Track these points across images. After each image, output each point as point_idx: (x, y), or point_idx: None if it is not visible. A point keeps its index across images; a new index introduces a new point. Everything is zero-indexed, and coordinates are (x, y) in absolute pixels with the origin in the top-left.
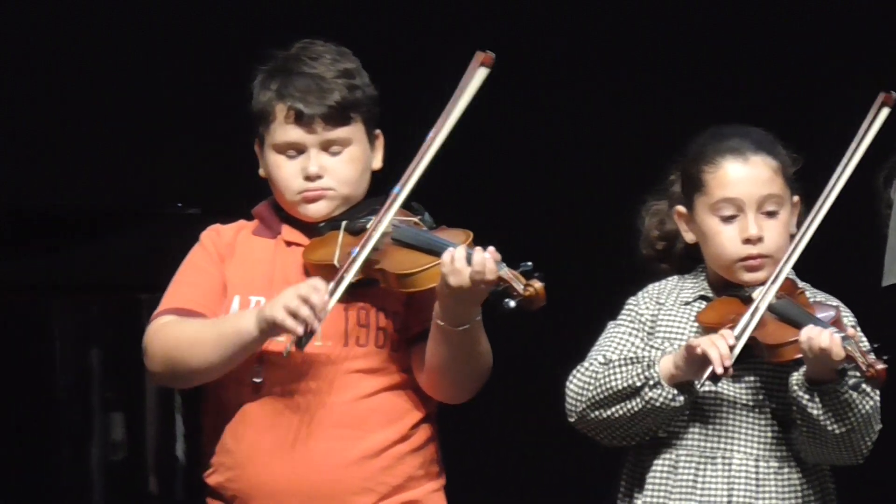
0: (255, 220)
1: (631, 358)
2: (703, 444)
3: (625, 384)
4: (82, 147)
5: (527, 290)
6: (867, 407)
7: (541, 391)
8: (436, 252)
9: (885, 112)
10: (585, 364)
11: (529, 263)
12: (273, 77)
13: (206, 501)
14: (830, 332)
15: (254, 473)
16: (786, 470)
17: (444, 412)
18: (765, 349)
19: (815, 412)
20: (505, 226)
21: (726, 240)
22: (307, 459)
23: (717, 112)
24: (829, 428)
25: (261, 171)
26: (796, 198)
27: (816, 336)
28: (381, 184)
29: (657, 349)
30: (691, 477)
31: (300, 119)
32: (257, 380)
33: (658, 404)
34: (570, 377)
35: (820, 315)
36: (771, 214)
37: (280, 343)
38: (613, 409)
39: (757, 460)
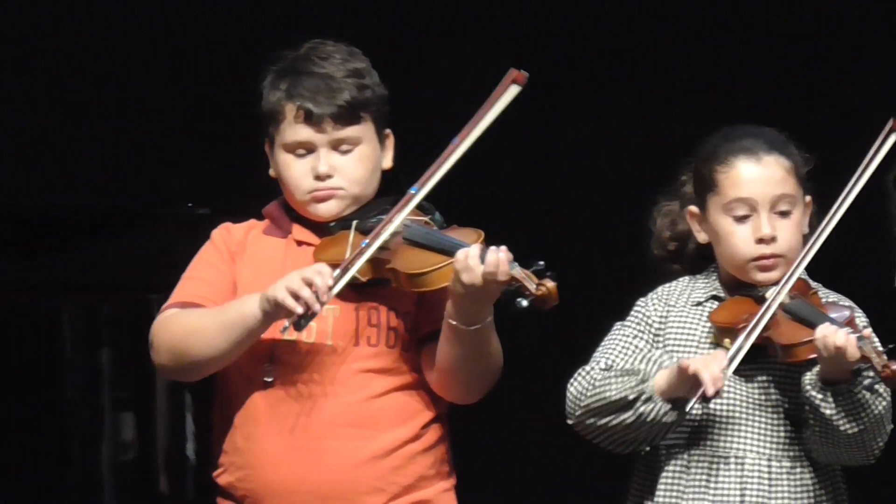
0: (266, 219)
1: (627, 370)
2: (715, 443)
3: (619, 396)
4: (93, 148)
5: (539, 290)
6: (880, 407)
7: (551, 391)
8: (447, 251)
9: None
10: (587, 368)
11: (542, 263)
12: (283, 77)
13: (216, 501)
14: (846, 331)
15: (264, 473)
16: (798, 470)
17: (455, 412)
18: (779, 349)
19: (828, 412)
20: (516, 225)
21: (739, 240)
22: (318, 459)
23: (727, 113)
24: (842, 428)
25: (271, 172)
26: (808, 198)
27: (832, 335)
28: (390, 183)
29: (668, 352)
30: (704, 477)
31: (310, 118)
32: (268, 379)
33: (650, 418)
34: (571, 380)
35: (833, 315)
36: (784, 214)
37: (292, 340)
38: (608, 419)
39: (769, 460)
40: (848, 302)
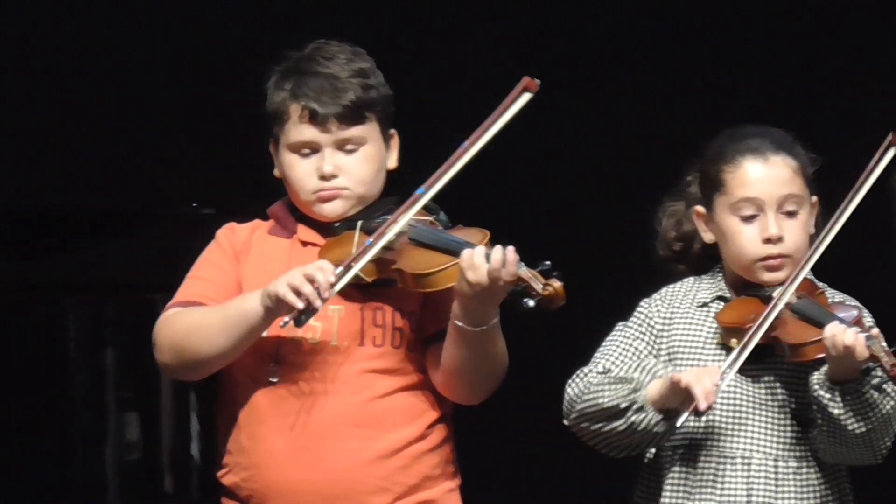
0: (271, 219)
1: (621, 377)
2: (722, 444)
3: (611, 403)
4: (98, 148)
5: (546, 290)
6: (888, 407)
7: (556, 391)
8: (453, 252)
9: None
10: (585, 370)
11: (548, 263)
12: (287, 77)
13: (220, 501)
14: (854, 330)
15: (269, 473)
16: (804, 470)
17: (459, 412)
18: (786, 349)
19: (835, 411)
20: (521, 225)
21: (746, 240)
22: (323, 459)
23: (731, 113)
24: (850, 427)
25: (276, 172)
26: (814, 198)
27: (841, 334)
28: (396, 183)
29: (673, 354)
30: (711, 477)
31: (314, 118)
32: (273, 379)
33: (640, 428)
34: (569, 381)
35: (841, 315)
36: (791, 214)
37: (297, 340)
38: (600, 425)
39: (776, 460)
40: (854, 302)
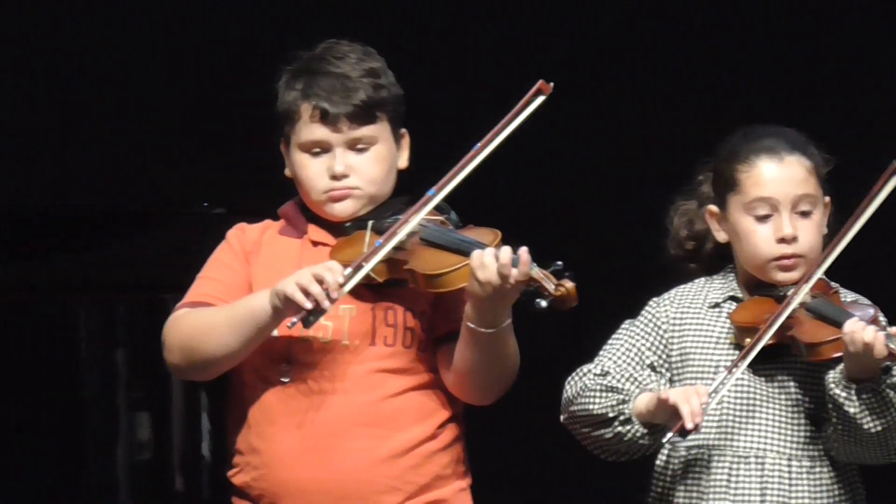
0: (281, 219)
1: (612, 386)
2: (735, 443)
3: (600, 411)
4: (110, 147)
5: (558, 290)
6: None
7: None
8: (464, 252)
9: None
10: (584, 369)
11: (560, 263)
12: (298, 77)
13: (231, 500)
14: (873, 328)
15: (280, 473)
16: (818, 469)
17: (470, 412)
18: (803, 348)
19: (851, 410)
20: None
21: (760, 239)
22: (334, 459)
23: (742, 112)
24: (865, 426)
25: (287, 171)
26: (827, 198)
27: (860, 330)
28: (406, 183)
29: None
30: (725, 476)
31: (325, 118)
32: (285, 379)
33: (626, 438)
34: (569, 378)
35: (857, 314)
36: (805, 214)
37: (308, 340)
38: (588, 429)
39: (790, 459)
40: (867, 301)
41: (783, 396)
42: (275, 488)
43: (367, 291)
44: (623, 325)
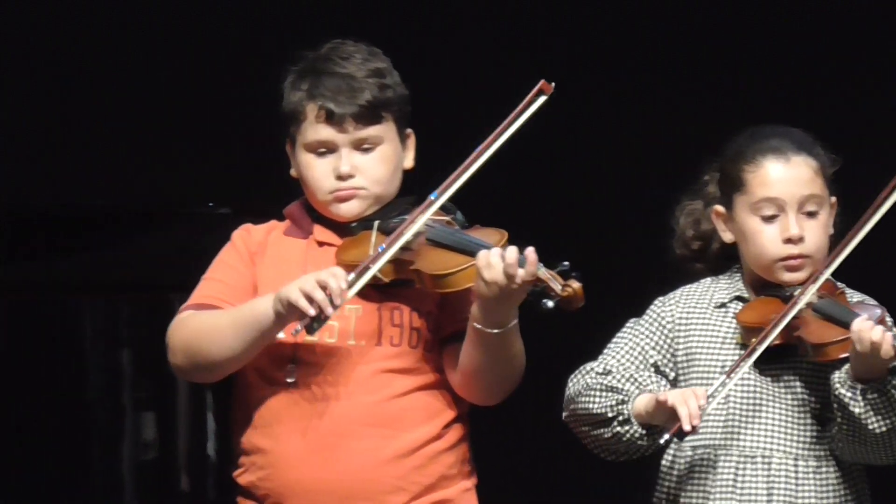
0: (287, 220)
1: (613, 386)
2: (742, 443)
3: (599, 411)
4: (114, 147)
5: (565, 291)
6: None
7: None
8: (471, 252)
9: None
10: (587, 367)
11: (566, 263)
12: (303, 77)
13: (237, 500)
14: (881, 328)
15: (286, 473)
16: (824, 469)
17: (476, 412)
18: (809, 348)
19: (857, 410)
20: (538, 226)
21: (767, 240)
22: (340, 459)
23: (747, 113)
24: (871, 426)
25: (292, 172)
26: (834, 199)
27: (868, 330)
28: (412, 183)
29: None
30: (731, 476)
31: (331, 118)
32: (290, 380)
33: (625, 439)
34: (573, 375)
35: (864, 314)
36: (811, 215)
37: (314, 340)
38: (588, 428)
39: (796, 459)
40: (874, 302)
41: (789, 396)
42: (280, 488)
43: (373, 291)
44: (628, 324)
